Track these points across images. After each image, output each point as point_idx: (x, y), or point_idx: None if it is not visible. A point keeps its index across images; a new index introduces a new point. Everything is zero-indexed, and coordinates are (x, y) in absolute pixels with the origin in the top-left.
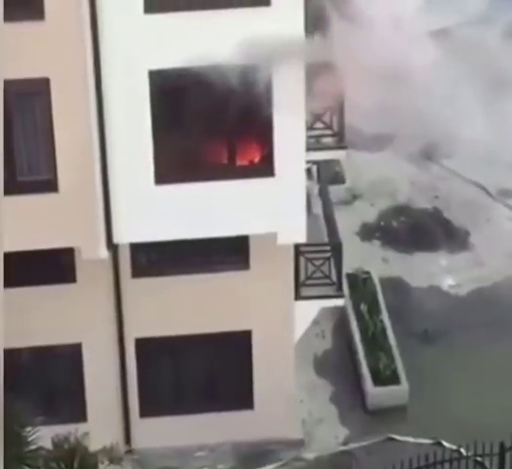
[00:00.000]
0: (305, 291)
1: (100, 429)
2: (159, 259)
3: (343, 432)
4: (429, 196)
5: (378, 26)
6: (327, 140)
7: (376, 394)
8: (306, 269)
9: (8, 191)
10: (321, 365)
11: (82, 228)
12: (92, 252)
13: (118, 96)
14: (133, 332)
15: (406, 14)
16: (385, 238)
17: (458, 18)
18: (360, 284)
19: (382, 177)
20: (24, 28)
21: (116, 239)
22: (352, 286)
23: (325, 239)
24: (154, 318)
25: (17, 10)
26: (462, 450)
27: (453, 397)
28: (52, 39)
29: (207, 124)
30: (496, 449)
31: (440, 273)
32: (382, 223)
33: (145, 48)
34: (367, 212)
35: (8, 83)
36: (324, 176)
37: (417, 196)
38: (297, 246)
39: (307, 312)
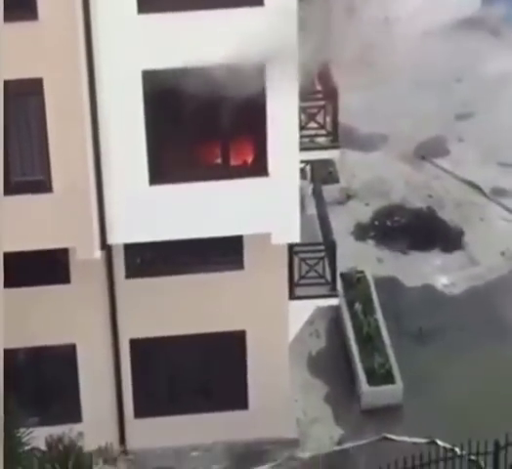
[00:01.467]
0: (299, 291)
1: (94, 429)
2: (153, 259)
3: (338, 431)
4: (423, 196)
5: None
6: (321, 139)
7: (371, 393)
8: (300, 268)
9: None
10: (316, 365)
11: (76, 228)
12: (86, 253)
13: (112, 96)
14: (127, 333)
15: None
16: (379, 238)
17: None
18: (354, 284)
19: (376, 177)
20: (18, 29)
21: (110, 240)
22: (346, 286)
23: (320, 239)
24: (149, 318)
25: (10, 10)
26: (457, 449)
27: (448, 396)
28: (45, 39)
29: (201, 124)
30: (491, 448)
31: (434, 272)
32: (376, 222)
33: (138, 48)
34: (361, 212)
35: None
36: (318, 176)
37: (411, 196)
38: (291, 246)
39: (301, 311)
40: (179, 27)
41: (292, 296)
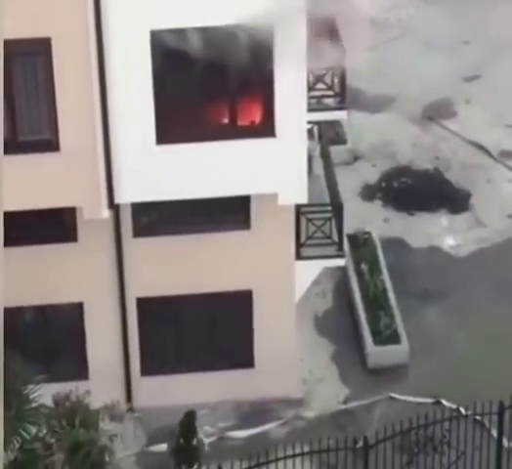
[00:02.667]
0: (306, 251)
1: (101, 387)
2: (161, 219)
3: (343, 391)
4: (430, 157)
5: None
6: (329, 100)
7: (377, 353)
8: (307, 229)
9: (9, 151)
10: (322, 325)
11: (84, 187)
12: (93, 212)
13: (120, 56)
14: (134, 292)
15: None
16: (386, 199)
17: None
18: (360, 244)
19: (383, 138)
20: None
21: (118, 199)
22: (353, 246)
23: (327, 200)
24: (156, 277)
25: None
26: (462, 409)
27: (453, 356)
28: None
29: (209, 85)
30: (496, 409)
31: (440, 233)
32: (383, 184)
33: (147, 8)
34: (369, 173)
35: (9, 43)
36: (326, 137)
37: (419, 157)
38: (298, 207)
39: (308, 272)
40: None
41: (299, 256)
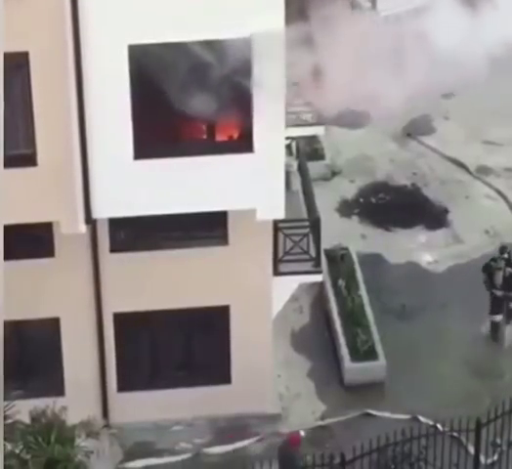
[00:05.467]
0: (283, 267)
1: (77, 403)
2: (138, 234)
3: (320, 407)
4: (408, 173)
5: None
6: (307, 116)
7: (354, 369)
8: (284, 244)
9: None
10: (299, 341)
11: (61, 202)
12: (71, 227)
13: (98, 70)
14: (111, 307)
15: None
16: (364, 215)
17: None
18: (338, 260)
19: (361, 153)
20: (4, 2)
21: (95, 214)
22: (330, 262)
23: (304, 215)
24: (133, 292)
25: None
26: (439, 426)
27: (430, 373)
28: (31, 12)
29: (186, 99)
30: (473, 425)
31: (418, 249)
32: (361, 199)
33: (125, 22)
34: (347, 188)
35: None
36: (304, 152)
37: (396, 173)
38: (276, 222)
39: (285, 287)
40: (165, 1)
41: (276, 272)
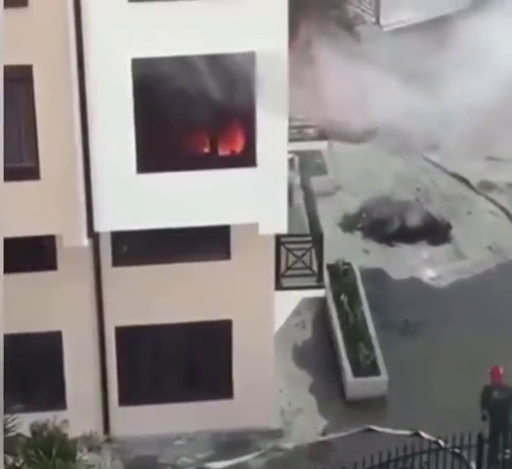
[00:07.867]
0: (286, 282)
1: (79, 417)
2: (140, 248)
3: (322, 422)
4: (411, 188)
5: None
6: (309, 130)
7: (356, 384)
8: (287, 259)
9: None
10: (301, 356)
11: (64, 215)
12: (73, 240)
13: (101, 83)
14: (113, 321)
15: None
16: (367, 230)
17: None
18: (340, 275)
19: (365, 168)
20: (8, 15)
21: (98, 228)
22: (333, 277)
23: (307, 230)
24: (135, 306)
25: None
26: (441, 442)
27: (432, 388)
28: (35, 26)
29: (190, 113)
30: (474, 441)
31: (421, 265)
32: (364, 214)
33: (128, 36)
34: (349, 203)
35: None
36: (306, 167)
37: (399, 188)
38: (278, 237)
39: (287, 302)
40: (169, 16)
41: (279, 287)
